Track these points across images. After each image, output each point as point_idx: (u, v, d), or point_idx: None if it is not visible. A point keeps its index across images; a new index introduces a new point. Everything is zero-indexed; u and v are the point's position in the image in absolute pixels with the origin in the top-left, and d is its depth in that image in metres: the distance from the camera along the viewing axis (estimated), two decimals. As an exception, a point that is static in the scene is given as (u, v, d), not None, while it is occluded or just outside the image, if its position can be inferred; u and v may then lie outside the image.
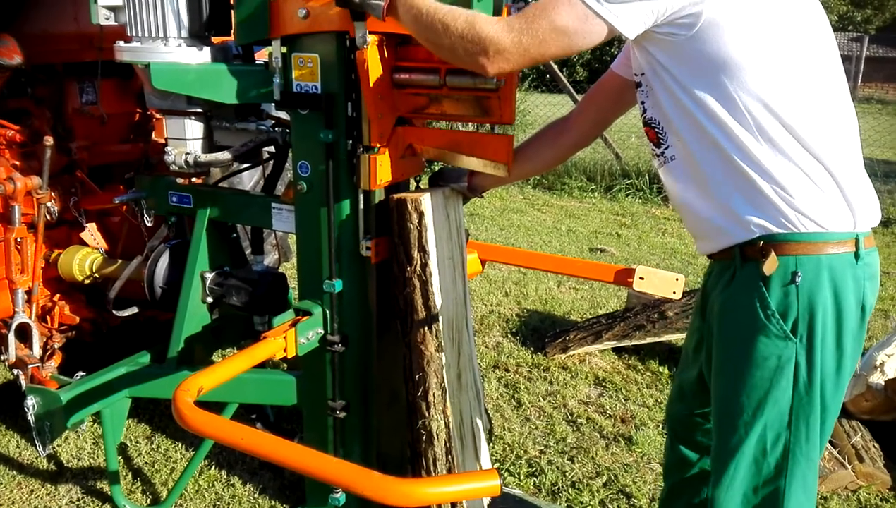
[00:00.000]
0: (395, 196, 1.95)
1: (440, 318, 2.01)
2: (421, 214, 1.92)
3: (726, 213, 1.56)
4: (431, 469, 2.10)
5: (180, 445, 3.13)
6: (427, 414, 2.05)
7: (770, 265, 1.50)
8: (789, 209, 1.49)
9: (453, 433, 2.08)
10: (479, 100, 1.87)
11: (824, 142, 1.49)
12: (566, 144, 2.05)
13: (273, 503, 2.79)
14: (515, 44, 1.48)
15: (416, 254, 1.95)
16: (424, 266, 1.96)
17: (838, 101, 1.54)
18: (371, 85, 1.86)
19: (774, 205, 1.50)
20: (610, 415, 3.45)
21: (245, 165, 2.65)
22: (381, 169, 1.96)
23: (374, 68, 1.86)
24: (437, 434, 2.07)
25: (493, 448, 3.15)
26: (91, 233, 3.08)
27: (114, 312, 2.82)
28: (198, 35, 2.20)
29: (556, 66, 9.24)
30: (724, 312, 1.64)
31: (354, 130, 1.99)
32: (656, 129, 1.65)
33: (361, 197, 2.07)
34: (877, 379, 3.13)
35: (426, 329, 2.00)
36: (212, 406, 1.94)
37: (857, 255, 1.52)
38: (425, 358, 2.02)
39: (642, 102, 1.68)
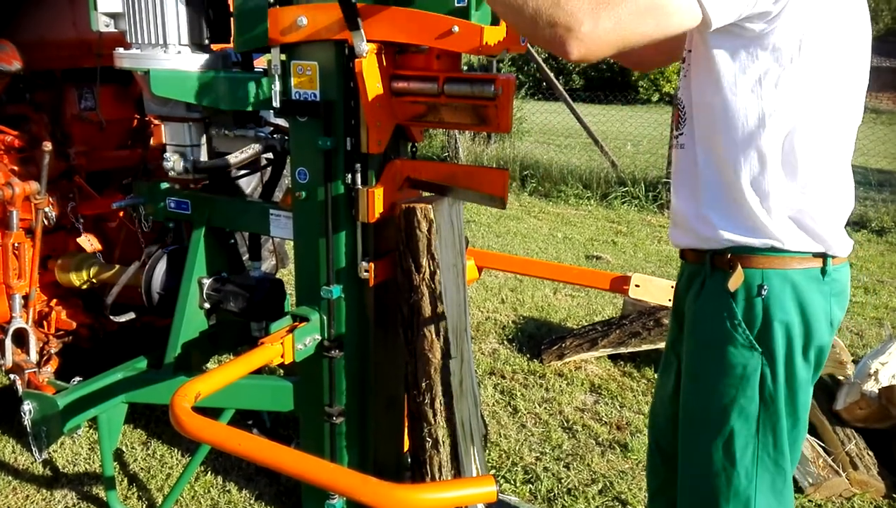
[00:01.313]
0: (404, 204, 1.96)
1: (447, 325, 2.02)
2: (430, 222, 1.93)
3: (704, 217, 1.58)
4: (437, 475, 2.10)
5: (176, 450, 3.13)
6: (433, 422, 2.05)
7: (735, 280, 1.53)
8: (763, 225, 1.51)
9: (459, 439, 2.09)
10: (477, 109, 1.88)
11: (827, 169, 1.51)
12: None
13: (269, 509, 2.79)
14: (614, 21, 1.32)
15: (425, 261, 1.96)
16: (434, 274, 1.96)
17: (853, 128, 1.55)
18: (369, 93, 1.88)
19: (750, 219, 1.52)
20: (605, 422, 3.45)
21: (243, 172, 2.65)
22: (378, 202, 1.99)
23: (373, 77, 1.87)
24: (443, 441, 2.07)
25: (489, 454, 3.15)
26: (88, 238, 3.08)
27: (111, 317, 2.82)
28: (197, 42, 2.21)
29: (552, 74, 9.27)
30: (695, 322, 1.67)
31: (356, 164, 2.01)
32: (680, 111, 1.65)
33: (359, 228, 2.08)
34: (871, 387, 3.14)
35: (434, 336, 2.01)
36: (208, 411, 1.94)
37: (823, 271, 1.54)
38: (432, 365, 2.02)
39: (681, 78, 1.66)
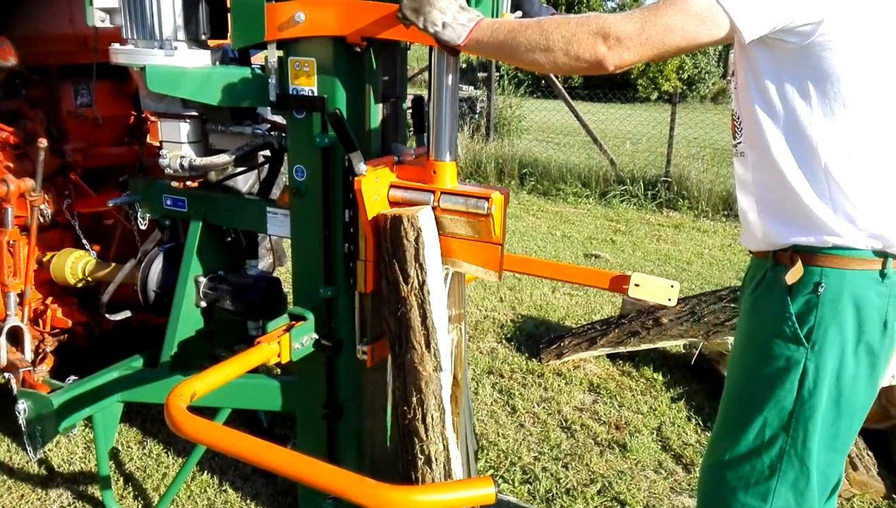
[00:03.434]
0: (390, 213, 1.92)
1: (438, 336, 1.98)
2: (419, 231, 1.88)
3: (768, 221, 1.62)
4: None
5: (172, 450, 3.11)
6: (425, 438, 1.98)
7: (794, 274, 1.55)
8: (823, 225, 1.52)
9: (452, 455, 2.03)
10: (471, 222, 1.89)
11: (881, 171, 1.51)
12: None
13: (265, 509, 2.77)
14: (638, 31, 1.41)
15: (413, 271, 1.91)
16: (423, 283, 1.92)
17: None
18: (369, 209, 1.90)
19: (809, 219, 1.53)
20: (604, 422, 3.44)
21: (240, 169, 2.64)
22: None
23: (371, 193, 1.90)
24: (436, 458, 1.99)
25: (487, 454, 3.14)
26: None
27: (106, 316, 2.81)
28: (194, 38, 2.19)
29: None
30: (749, 311, 1.70)
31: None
32: (735, 121, 1.68)
33: (357, 299, 2.10)
34: (871, 387, 3.13)
35: (424, 348, 1.96)
36: (204, 411, 1.92)
37: (883, 274, 1.54)
38: (423, 378, 1.95)
39: (732, 89, 1.70)
